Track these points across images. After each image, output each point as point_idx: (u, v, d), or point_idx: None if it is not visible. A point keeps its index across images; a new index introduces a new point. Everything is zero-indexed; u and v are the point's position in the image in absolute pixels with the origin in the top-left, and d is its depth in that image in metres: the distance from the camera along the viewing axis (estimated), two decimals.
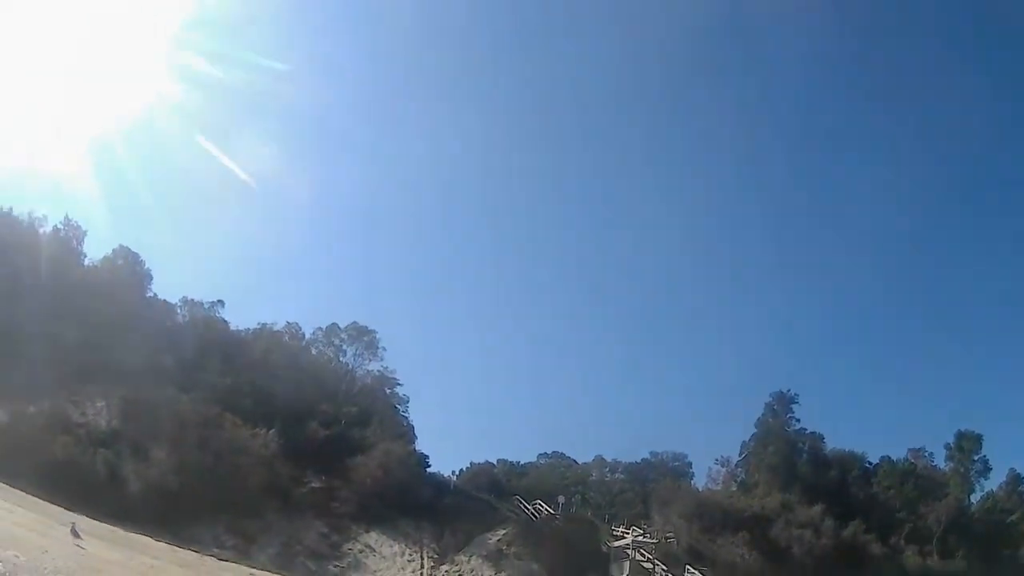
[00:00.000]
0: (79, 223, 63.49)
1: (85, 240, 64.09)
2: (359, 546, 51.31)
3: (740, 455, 67.18)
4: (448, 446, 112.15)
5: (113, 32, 65.22)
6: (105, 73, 69.47)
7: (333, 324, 71.20)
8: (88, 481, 42.81)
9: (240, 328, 68.81)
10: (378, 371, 70.20)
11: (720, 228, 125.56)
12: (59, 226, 62.38)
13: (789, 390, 66.80)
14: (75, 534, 31.06)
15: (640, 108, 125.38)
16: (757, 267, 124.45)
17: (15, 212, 60.88)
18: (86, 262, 63.36)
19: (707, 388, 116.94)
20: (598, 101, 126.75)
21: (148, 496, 44.45)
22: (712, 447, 79.12)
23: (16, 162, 68.74)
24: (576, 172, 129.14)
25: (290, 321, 71.58)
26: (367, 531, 52.56)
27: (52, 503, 36.75)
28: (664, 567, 49.04)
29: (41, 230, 61.66)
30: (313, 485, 55.06)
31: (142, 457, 47.18)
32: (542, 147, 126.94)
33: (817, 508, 58.92)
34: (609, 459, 71.44)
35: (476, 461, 69.51)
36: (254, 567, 42.87)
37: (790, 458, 64.27)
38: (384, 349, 70.54)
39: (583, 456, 74.04)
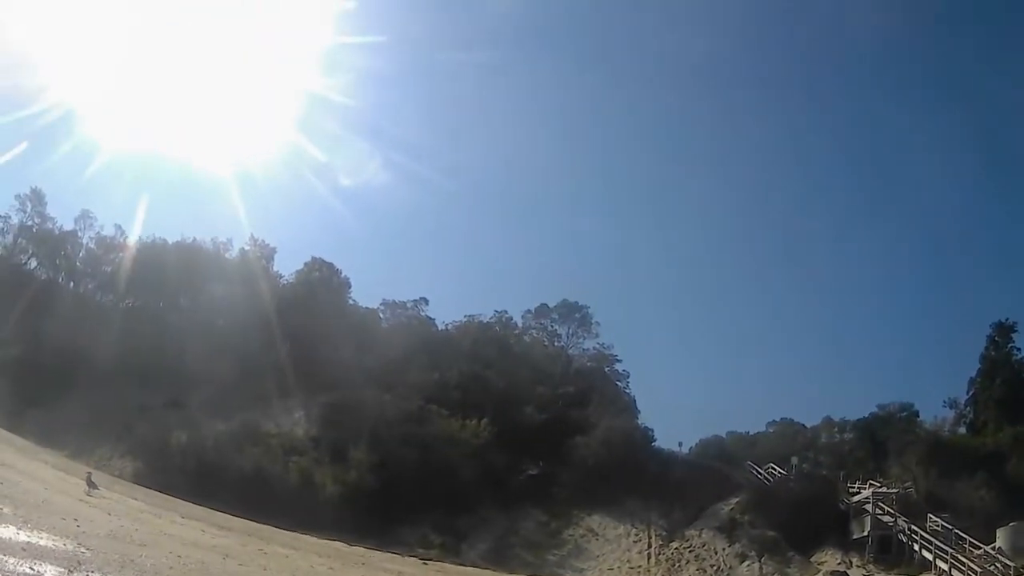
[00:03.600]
0: (266, 241, 63.96)
1: (275, 258, 64.59)
2: (580, 531, 47.36)
3: (967, 394, 59.48)
4: (674, 422, 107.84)
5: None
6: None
7: (542, 305, 68.17)
8: (280, 491, 41.63)
9: (447, 323, 67.24)
10: (594, 348, 66.61)
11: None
12: (245, 248, 62.96)
13: (1008, 319, 58.95)
14: (90, 484, 29.96)
15: None
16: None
17: (198, 239, 62.00)
18: (281, 280, 63.66)
19: (927, 331, 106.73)
20: None
21: (346, 500, 42.87)
22: (939, 391, 72.27)
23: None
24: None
25: (498, 309, 68.72)
26: (589, 514, 48.49)
27: (242, 518, 35.59)
28: (905, 519, 43.08)
29: (227, 254, 62.52)
30: (530, 472, 51.93)
31: (340, 461, 45.68)
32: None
33: None
34: (837, 419, 65.53)
35: (704, 436, 65.08)
36: (459, 564, 39.71)
37: (1017, 390, 56.34)
38: (598, 324, 66.80)
39: (811, 419, 68.61)
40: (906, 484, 48.33)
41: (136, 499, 32.93)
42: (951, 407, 60.48)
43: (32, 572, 11.10)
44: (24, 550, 12.42)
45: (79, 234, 65.18)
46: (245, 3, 64.36)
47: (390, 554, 37.03)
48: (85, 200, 70.73)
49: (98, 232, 64.62)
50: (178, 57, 60.17)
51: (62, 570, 11.80)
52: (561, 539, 46.69)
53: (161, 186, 70.85)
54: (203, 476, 40.30)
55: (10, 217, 64.77)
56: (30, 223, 64.90)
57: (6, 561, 11.22)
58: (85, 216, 64.59)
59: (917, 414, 62.11)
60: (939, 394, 71.18)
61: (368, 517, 41.39)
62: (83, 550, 14.24)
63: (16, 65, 50.69)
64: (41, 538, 14.14)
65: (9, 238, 65.09)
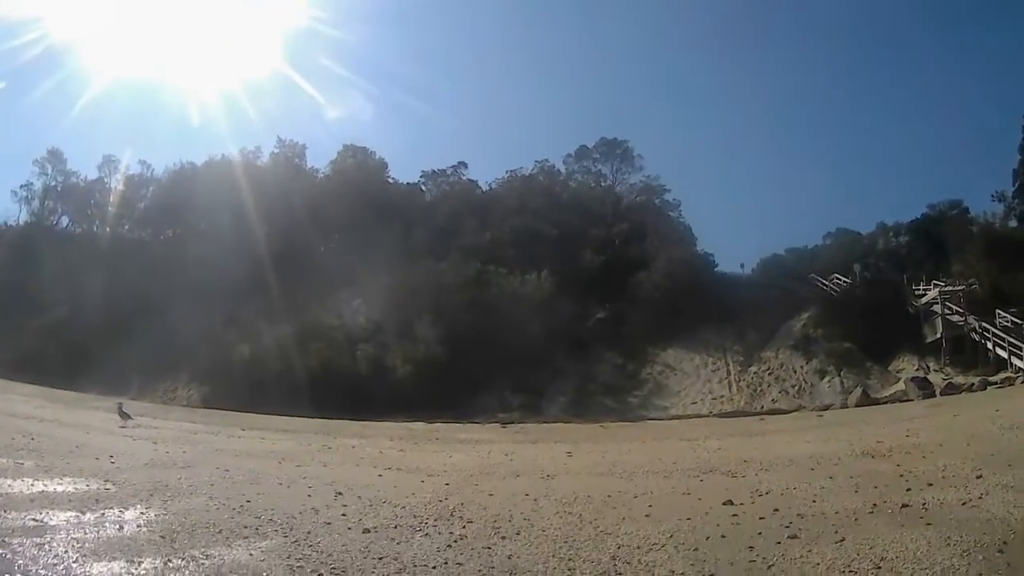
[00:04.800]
0: (295, 141, 63.22)
1: (306, 154, 63.96)
2: (657, 368, 47.08)
3: (1013, 185, 57.18)
4: (731, 245, 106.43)
5: None
6: None
7: (582, 147, 66.61)
8: (350, 382, 41.99)
9: (489, 182, 66.52)
10: (641, 182, 65.05)
11: None
12: (276, 150, 62.44)
13: None
14: (123, 415, 30.16)
15: None
16: None
17: (226, 155, 61.69)
18: (318, 174, 63.12)
19: (966, 125, 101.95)
20: None
21: (418, 378, 43.08)
22: (985, 187, 69.84)
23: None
24: None
25: (538, 159, 67.41)
26: (664, 350, 48.23)
27: (311, 417, 35.90)
28: (974, 316, 42.09)
29: (258, 161, 61.92)
30: (598, 316, 51.55)
31: (407, 340, 45.87)
32: None
33: None
34: (891, 223, 63.75)
35: (763, 255, 63.78)
36: (540, 421, 39.77)
37: None
38: (641, 157, 65.25)
39: (866, 227, 66.83)
40: (970, 281, 47.06)
41: (194, 422, 33.02)
42: (999, 200, 58.70)
43: (36, 523, 10.87)
44: (32, 501, 12.25)
45: (105, 180, 65.62)
46: None
47: (469, 424, 37.07)
48: (79, 131, 71.33)
49: (124, 172, 64.92)
50: None
51: (72, 513, 11.61)
52: (639, 379, 46.45)
53: (155, 115, 70.47)
54: (270, 384, 40.66)
55: (32, 184, 65.63)
56: (53, 183, 65.51)
57: (5, 517, 11.03)
58: (108, 161, 64.99)
59: (968, 210, 60.48)
60: (986, 188, 69.32)
61: (444, 391, 41.48)
62: (108, 486, 14.20)
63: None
64: (60, 484, 14.02)
65: (36, 204, 65.82)
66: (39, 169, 65.70)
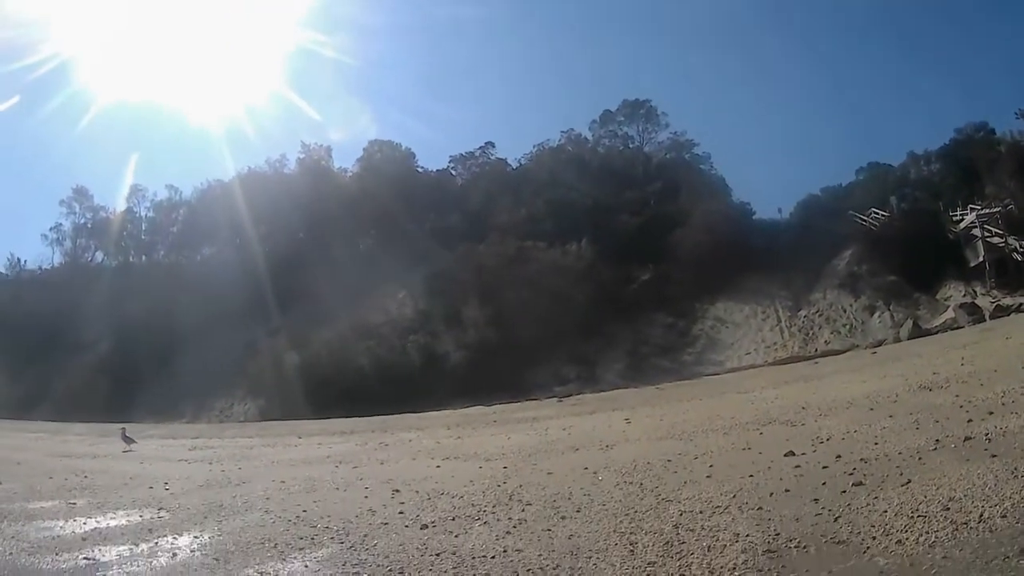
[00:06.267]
0: (318, 144, 63.67)
1: (332, 155, 64.45)
2: (708, 323, 47.28)
3: None
4: (766, 191, 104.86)
5: None
6: None
7: (605, 111, 66.27)
8: (404, 375, 42.55)
9: (518, 158, 66.59)
10: (668, 139, 64.68)
11: None
12: (301, 155, 62.93)
13: None
14: (126, 439, 30.02)
15: None
16: None
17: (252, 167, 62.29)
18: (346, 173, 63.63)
19: (983, 44, 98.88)
20: None
21: (472, 361, 43.57)
22: (1008, 104, 68.20)
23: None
24: None
25: (563, 129, 67.29)
26: (712, 304, 48.38)
27: (369, 416, 35.98)
28: (1014, 236, 42.04)
29: (286, 169, 62.57)
30: (643, 278, 51.44)
31: (456, 325, 46.28)
32: None
33: None
34: (920, 152, 62.71)
35: (798, 198, 63.18)
36: (598, 390, 39.86)
37: None
38: (666, 115, 64.82)
39: (896, 159, 65.79)
40: (1005, 202, 46.45)
41: (251, 436, 33.17)
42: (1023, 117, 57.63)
43: (88, 562, 10.76)
44: (85, 539, 12.18)
45: (134, 210, 66.60)
46: None
47: (526, 402, 37.16)
48: (83, 152, 71.94)
49: (152, 200, 66.00)
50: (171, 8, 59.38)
51: (125, 547, 11.52)
52: (691, 336, 46.65)
53: (177, 139, 71.32)
54: (324, 388, 41.12)
55: (61, 224, 66.80)
56: (82, 221, 66.62)
57: (57, 560, 10.95)
58: (136, 191, 65.69)
59: (994, 131, 59.44)
60: (1009, 108, 67.93)
61: (498, 372, 41.80)
62: (162, 514, 14.18)
63: (10, 19, 50.68)
64: (113, 519, 13.90)
65: (68, 244, 66.81)
66: (67, 209, 66.77)
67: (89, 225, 66.73)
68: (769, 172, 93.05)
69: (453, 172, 66.78)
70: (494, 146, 67.16)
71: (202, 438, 33.64)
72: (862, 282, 45.72)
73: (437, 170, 66.16)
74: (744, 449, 15.21)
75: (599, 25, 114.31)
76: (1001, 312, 37.19)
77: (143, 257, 65.99)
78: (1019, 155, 50.85)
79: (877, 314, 42.73)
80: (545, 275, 49.00)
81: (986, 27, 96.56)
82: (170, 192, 66.03)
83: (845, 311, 44.21)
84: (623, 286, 50.54)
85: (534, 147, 66.68)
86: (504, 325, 45.16)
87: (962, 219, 46.81)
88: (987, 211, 45.04)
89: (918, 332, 38.54)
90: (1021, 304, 37.25)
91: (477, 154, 66.61)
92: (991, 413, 13.93)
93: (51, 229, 66.83)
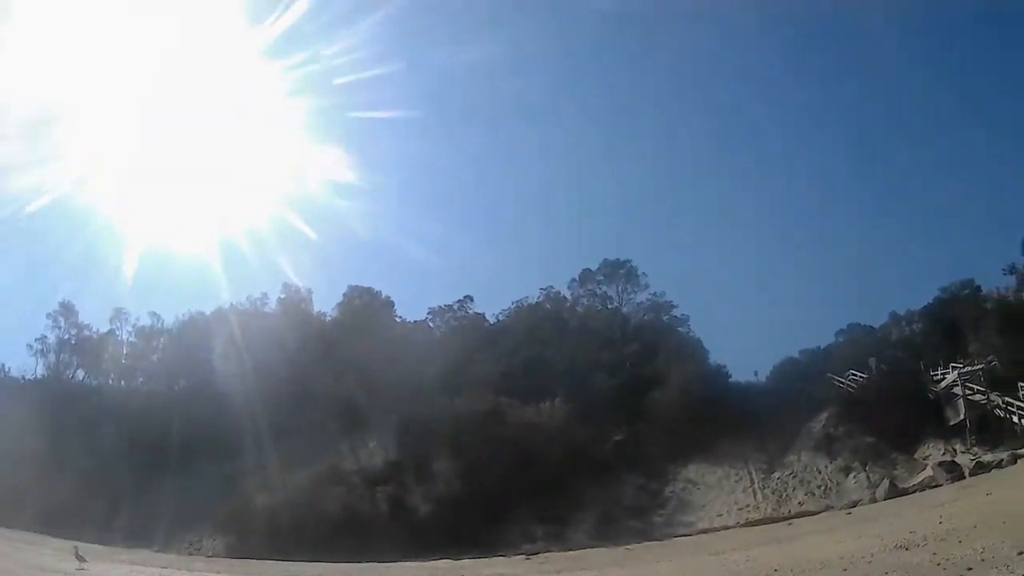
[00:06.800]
0: (300, 286, 64.19)
1: (312, 298, 64.84)
2: (680, 485, 46.78)
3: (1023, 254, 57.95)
4: (743, 353, 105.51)
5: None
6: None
7: (585, 270, 67.13)
8: (371, 524, 41.75)
9: (496, 314, 66.93)
10: (648, 300, 65.35)
11: None
12: (282, 296, 63.43)
13: None
14: (79, 558, 30.48)
15: None
16: None
17: (235, 304, 62.54)
18: (325, 318, 63.81)
19: (972, 202, 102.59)
20: None
21: (440, 515, 42.78)
22: (995, 261, 70.50)
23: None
24: None
25: (543, 287, 67.93)
26: (684, 466, 48.02)
27: (337, 563, 35.40)
28: (997, 393, 41.84)
29: (266, 308, 62.80)
30: (616, 439, 51.17)
31: (426, 478, 45.57)
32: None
33: None
34: (903, 312, 63.98)
35: (776, 361, 63.74)
36: (567, 549, 39.03)
37: None
38: (645, 275, 65.73)
39: (877, 320, 67.03)
40: (989, 359, 46.82)
41: (217, 572, 32.95)
42: (1011, 272, 58.96)
43: None
44: None
45: (116, 332, 66.37)
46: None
47: (495, 558, 36.47)
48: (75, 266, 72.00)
49: (135, 324, 65.93)
50: (160, 131, 60.75)
51: None
52: (663, 497, 46.07)
53: (163, 266, 71.76)
54: (292, 531, 40.28)
55: (46, 337, 66.14)
56: (67, 336, 66.06)
57: None
58: (119, 314, 65.70)
59: (979, 288, 60.60)
60: (995, 264, 69.44)
61: (467, 526, 40.99)
62: None
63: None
64: None
65: (51, 357, 66.11)
66: (52, 322, 66.21)
67: (73, 341, 66.24)
68: (748, 334, 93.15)
69: (431, 324, 67.02)
70: (472, 300, 67.47)
71: (171, 568, 33.42)
72: (838, 444, 45.65)
73: (415, 321, 66.44)
74: None
75: (582, 183, 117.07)
76: (982, 468, 36.93)
77: (122, 382, 65.37)
78: (1006, 311, 51.46)
79: (853, 475, 42.47)
80: (518, 432, 48.64)
81: (970, 186, 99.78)
82: (152, 320, 65.89)
83: (820, 472, 43.90)
84: (596, 446, 50.13)
85: (513, 303, 67.09)
86: (475, 480, 44.57)
87: (943, 378, 46.90)
88: (969, 369, 45.10)
89: (895, 492, 38.23)
90: (1002, 460, 36.97)
91: (455, 307, 66.95)
92: (970, 569, 13.57)
93: (36, 340, 66.25)
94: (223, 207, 68.79)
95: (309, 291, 64.71)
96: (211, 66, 61.20)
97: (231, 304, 63.30)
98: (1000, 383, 42.74)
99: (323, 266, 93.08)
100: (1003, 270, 58.80)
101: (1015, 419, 39.83)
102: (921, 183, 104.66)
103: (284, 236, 65.79)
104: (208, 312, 63.57)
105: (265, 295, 64.92)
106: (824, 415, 48.82)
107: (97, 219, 71.69)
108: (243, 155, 68.30)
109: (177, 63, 61.49)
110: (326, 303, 66.99)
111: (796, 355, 63.22)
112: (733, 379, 58.11)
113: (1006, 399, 40.86)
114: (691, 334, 62.80)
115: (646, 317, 64.43)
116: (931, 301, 61.35)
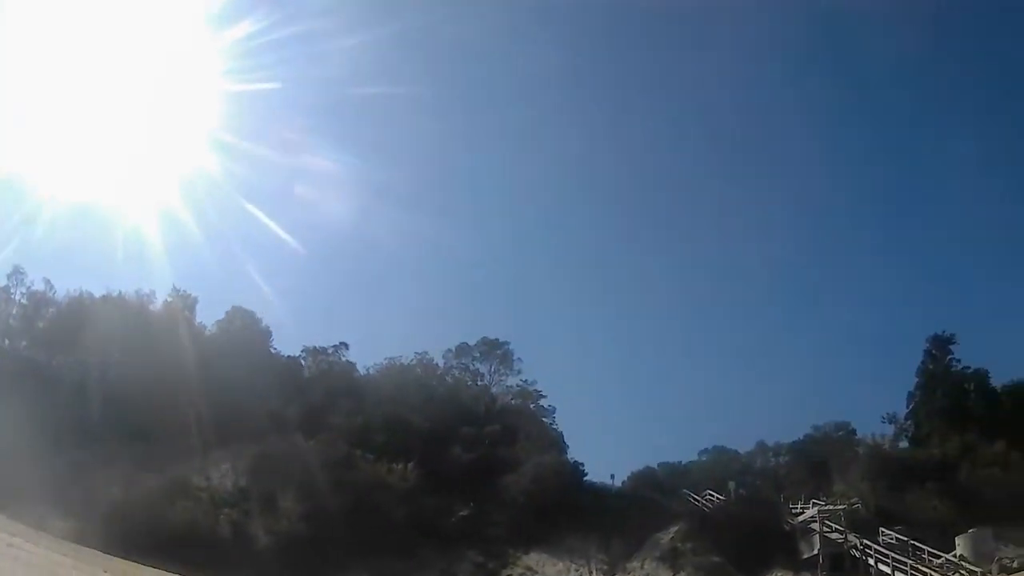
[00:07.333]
0: (188, 291, 63.14)
1: (197, 308, 63.76)
2: (519, 570, 47.50)
3: (908, 407, 62.14)
4: (603, 455, 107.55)
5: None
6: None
7: (463, 343, 68.46)
8: (211, 544, 41.04)
9: (368, 366, 67.34)
10: (518, 385, 67.15)
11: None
12: (169, 299, 62.24)
13: (944, 331, 63.09)
14: None
15: None
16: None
17: (123, 292, 60.98)
18: (205, 330, 62.90)
19: (855, 349, 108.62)
20: None
21: (279, 550, 42.34)
22: (874, 409, 75.45)
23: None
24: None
25: (418, 351, 68.70)
26: (526, 552, 48.73)
27: (174, 573, 34.89)
28: (856, 534, 43.91)
29: (151, 306, 61.53)
30: (462, 513, 51.83)
31: (271, 511, 45.11)
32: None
33: (999, 445, 53.14)
34: (771, 443, 67.36)
35: (635, 468, 65.71)
36: None
37: (960, 400, 59.41)
38: (520, 360, 67.49)
39: (744, 446, 70.15)
40: (852, 501, 49.26)
41: (64, 554, 31.88)
42: (890, 422, 62.35)
43: None
44: None
45: (11, 290, 63.60)
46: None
47: None
48: None
49: (28, 287, 63.33)
50: (84, 94, 59.04)
51: None
52: None
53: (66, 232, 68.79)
54: (137, 532, 39.00)
55: None
56: None
57: None
58: (16, 272, 62.97)
59: (854, 431, 63.84)
60: (873, 411, 73.28)
61: (303, 567, 41.04)
62: None
63: None
64: None
65: None
66: None
67: None
68: (611, 437, 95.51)
69: (303, 362, 66.71)
70: (347, 347, 67.69)
71: (20, 538, 31.79)
72: (683, 559, 46.73)
73: (288, 356, 66.11)
74: None
75: (474, 262, 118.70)
76: None
77: (6, 341, 62.64)
78: (877, 457, 54.31)
79: None
80: (368, 486, 48.89)
81: (858, 331, 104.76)
82: (46, 286, 63.19)
83: None
84: (442, 516, 50.77)
85: (385, 360, 67.60)
86: (318, 523, 44.37)
87: (802, 512, 48.98)
88: (831, 508, 47.09)
89: None
90: None
91: (330, 351, 67.00)
92: None
93: None
94: (135, 186, 66.54)
95: (195, 299, 63.59)
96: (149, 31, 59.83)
97: (120, 292, 62.07)
98: (861, 525, 45.04)
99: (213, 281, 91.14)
100: (882, 418, 62.43)
101: (871, 562, 41.46)
102: (811, 321, 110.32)
103: (183, 232, 64.69)
104: (97, 295, 61.86)
105: (153, 292, 63.39)
106: (674, 529, 49.91)
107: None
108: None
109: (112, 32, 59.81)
110: (208, 313, 65.90)
111: (655, 466, 65.41)
112: (588, 478, 59.53)
113: (864, 541, 42.71)
114: (554, 426, 64.59)
115: (513, 401, 65.90)
116: (801, 437, 64.49)
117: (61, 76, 56.93)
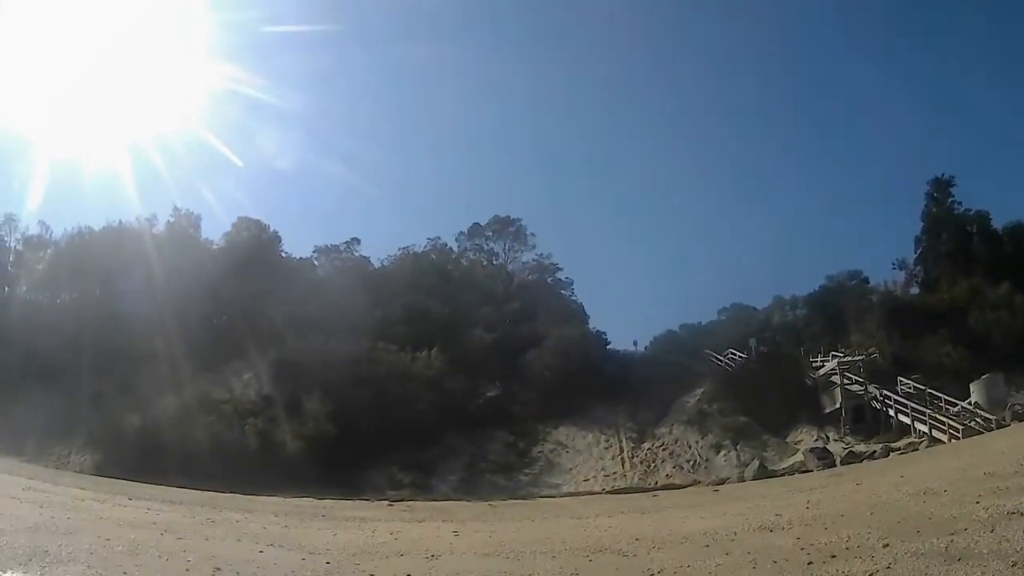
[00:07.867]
0: (190, 209, 62.25)
1: (201, 225, 62.96)
2: (549, 446, 47.31)
3: (915, 253, 60.64)
4: (625, 322, 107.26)
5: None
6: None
7: (475, 224, 67.38)
8: (240, 456, 40.77)
9: (382, 258, 66.53)
10: (534, 260, 66.11)
11: None
12: (171, 219, 61.49)
13: (944, 174, 61.34)
14: None
15: None
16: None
17: (123, 221, 60.26)
18: (212, 245, 62.24)
19: (863, 195, 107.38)
20: None
21: (308, 453, 42.14)
22: (886, 256, 73.98)
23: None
24: None
25: (430, 237, 67.81)
26: (555, 427, 48.61)
27: (200, 490, 34.40)
28: (875, 384, 43.49)
29: (154, 229, 60.63)
30: (488, 395, 51.65)
31: (296, 416, 44.97)
32: None
33: (1004, 287, 51.88)
34: (788, 296, 66.22)
35: (657, 333, 65.03)
36: (430, 499, 39.15)
37: (964, 243, 58.08)
38: (534, 235, 66.30)
39: (761, 302, 69.08)
40: (870, 350, 48.61)
41: (83, 488, 31.61)
42: (900, 268, 61.24)
43: None
44: None
45: (5, 238, 63.15)
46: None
47: (358, 501, 36.25)
48: None
49: (23, 233, 62.86)
50: (62, 40, 57.85)
51: None
52: (531, 457, 46.51)
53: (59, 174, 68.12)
54: (160, 455, 38.87)
55: None
56: None
57: None
58: (9, 220, 62.37)
59: (867, 280, 62.81)
60: (886, 257, 72.19)
61: (333, 468, 40.67)
62: None
63: None
64: None
65: None
66: None
67: None
68: (631, 304, 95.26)
69: (316, 262, 66.16)
70: (359, 242, 67.10)
71: (37, 480, 31.99)
72: (711, 420, 46.64)
73: (300, 258, 65.48)
74: (572, 574, 15.04)
75: (483, 139, 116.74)
76: (854, 458, 38.03)
77: (6, 288, 62.48)
78: (890, 305, 53.46)
79: (723, 452, 43.47)
80: (392, 378, 48.62)
81: (866, 177, 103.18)
82: (41, 228, 62.70)
83: (690, 447, 44.85)
84: (468, 399, 50.50)
85: (399, 250, 66.91)
86: (344, 422, 44.09)
87: (822, 365, 48.67)
88: (850, 359, 46.76)
89: (764, 473, 39.20)
90: (875, 451, 38.26)
91: (342, 248, 66.40)
92: (834, 556, 14.03)
93: None
94: (116, 122, 65.71)
95: (199, 217, 62.84)
96: None
97: (120, 221, 60.85)
98: (879, 375, 44.58)
99: (215, 190, 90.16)
100: (892, 264, 61.29)
101: (891, 412, 41.31)
102: (819, 172, 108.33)
103: (179, 156, 63.85)
104: (97, 228, 60.83)
105: (154, 216, 62.64)
106: (699, 390, 50.01)
107: None
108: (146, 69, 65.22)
109: None
110: (214, 229, 65.17)
111: (676, 329, 64.76)
112: (611, 347, 59.13)
113: (884, 392, 42.38)
114: (574, 298, 63.85)
115: (530, 277, 65.13)
116: (816, 289, 63.54)
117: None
